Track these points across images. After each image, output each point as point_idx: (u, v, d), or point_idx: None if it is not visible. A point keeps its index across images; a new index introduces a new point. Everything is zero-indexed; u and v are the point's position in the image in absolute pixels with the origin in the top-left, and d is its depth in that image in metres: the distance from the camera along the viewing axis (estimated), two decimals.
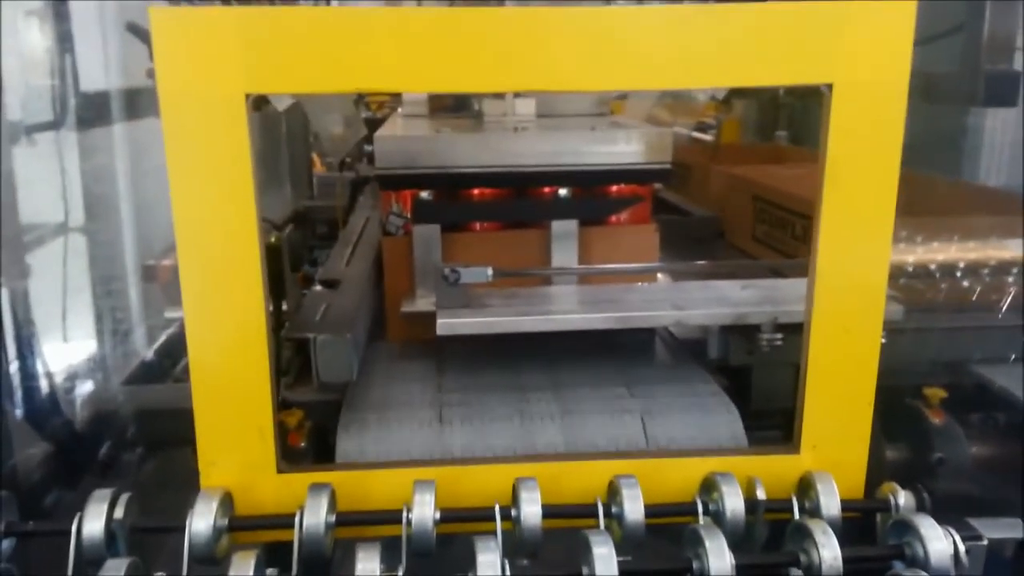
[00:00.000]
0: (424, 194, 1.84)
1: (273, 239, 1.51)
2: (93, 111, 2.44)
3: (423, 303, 1.84)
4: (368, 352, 1.82)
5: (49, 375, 1.86)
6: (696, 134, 5.38)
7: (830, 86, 1.31)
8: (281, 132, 4.93)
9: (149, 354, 2.22)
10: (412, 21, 1.28)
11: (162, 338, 2.31)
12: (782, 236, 2.22)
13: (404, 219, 1.85)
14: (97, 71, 2.61)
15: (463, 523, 1.34)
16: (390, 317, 1.91)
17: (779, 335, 1.66)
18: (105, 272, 2.89)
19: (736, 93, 3.98)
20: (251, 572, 1.15)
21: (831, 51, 1.32)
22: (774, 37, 1.33)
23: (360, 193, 3.34)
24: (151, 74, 1.27)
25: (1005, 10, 1.53)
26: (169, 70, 1.25)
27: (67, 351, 2.38)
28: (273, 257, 1.50)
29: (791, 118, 4.32)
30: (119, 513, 1.30)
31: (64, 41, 2.02)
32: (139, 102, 2.53)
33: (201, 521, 1.29)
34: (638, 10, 1.31)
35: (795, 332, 1.53)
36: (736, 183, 2.61)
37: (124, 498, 1.31)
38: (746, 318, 1.68)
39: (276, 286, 1.52)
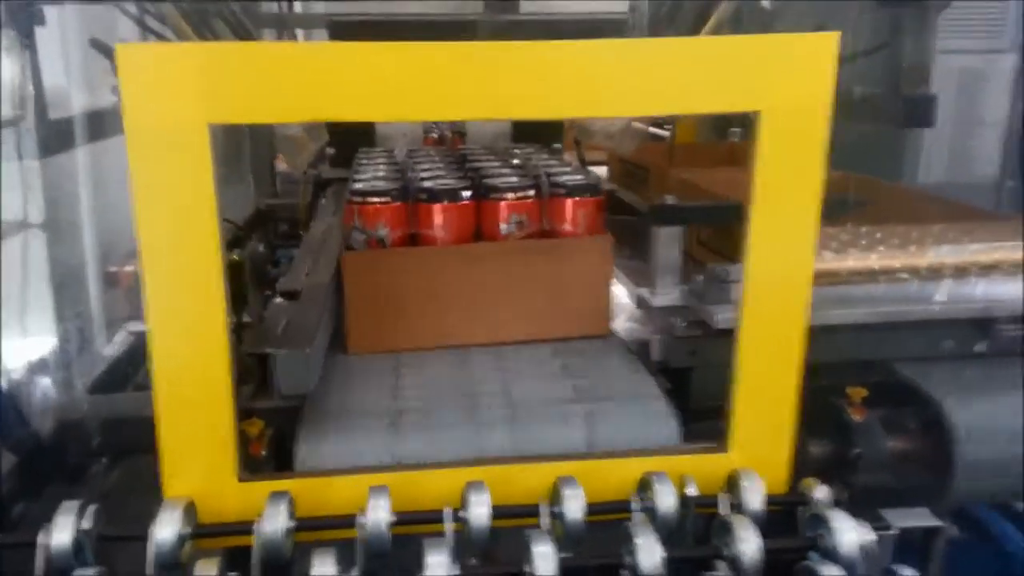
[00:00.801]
0: None
1: (236, 257, 1.58)
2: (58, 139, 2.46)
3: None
4: (327, 361, 1.89)
5: (13, 384, 1.90)
6: (653, 129, 5.49)
7: (758, 113, 1.42)
8: (244, 128, 4.92)
9: (110, 361, 2.26)
10: (368, 54, 1.35)
11: (123, 345, 2.35)
12: (719, 239, 2.33)
13: (366, 235, 1.92)
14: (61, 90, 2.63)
15: (416, 525, 1.43)
16: (350, 331, 1.98)
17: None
18: (67, 275, 2.90)
19: None
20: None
21: (759, 81, 1.43)
22: (706, 68, 1.43)
23: (323, 194, 3.38)
24: (116, 90, 1.33)
25: (920, 38, 1.65)
26: (135, 102, 1.31)
27: (27, 355, 2.40)
28: (236, 273, 1.56)
29: (744, 114, 4.43)
30: (87, 523, 1.37)
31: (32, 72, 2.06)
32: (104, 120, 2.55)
33: (165, 530, 1.36)
34: (580, 44, 1.40)
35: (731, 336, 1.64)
36: (683, 187, 2.71)
37: (92, 509, 1.38)
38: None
39: (239, 301, 1.58)
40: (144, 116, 1.32)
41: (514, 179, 2.14)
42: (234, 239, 2.02)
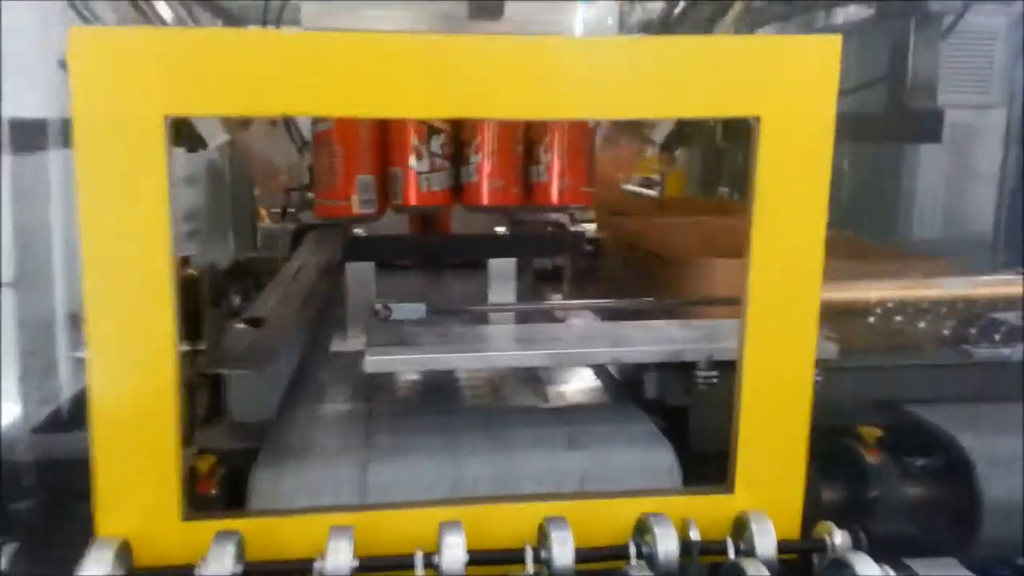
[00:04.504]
0: (359, 230, 1.79)
1: (192, 272, 1.44)
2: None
3: (354, 343, 1.78)
4: (295, 394, 1.74)
5: None
6: (642, 190, 5.52)
7: (758, 119, 1.32)
8: (226, 181, 4.86)
9: (62, 400, 2.09)
10: (337, 45, 1.26)
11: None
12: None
13: None
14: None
15: (383, 572, 1.26)
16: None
17: (715, 373, 1.64)
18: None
19: (680, 140, 4.07)
20: None
21: (758, 85, 1.33)
22: (702, 70, 1.33)
23: (301, 241, 3.28)
24: None
25: (926, 52, 1.58)
26: (85, 91, 1.20)
27: None
28: (191, 292, 1.43)
29: (732, 172, 4.42)
30: (3, 565, 1.19)
31: None
32: None
33: (92, 572, 1.18)
34: (571, 41, 1.32)
35: (732, 370, 1.51)
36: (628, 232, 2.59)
37: (9, 548, 1.20)
38: (682, 355, 1.65)
39: (193, 323, 1.44)
40: (95, 106, 1.20)
41: None
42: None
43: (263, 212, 4.70)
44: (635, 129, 2.27)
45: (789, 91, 1.33)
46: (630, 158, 2.60)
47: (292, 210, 3.57)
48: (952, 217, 3.87)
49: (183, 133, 2.23)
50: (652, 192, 5.44)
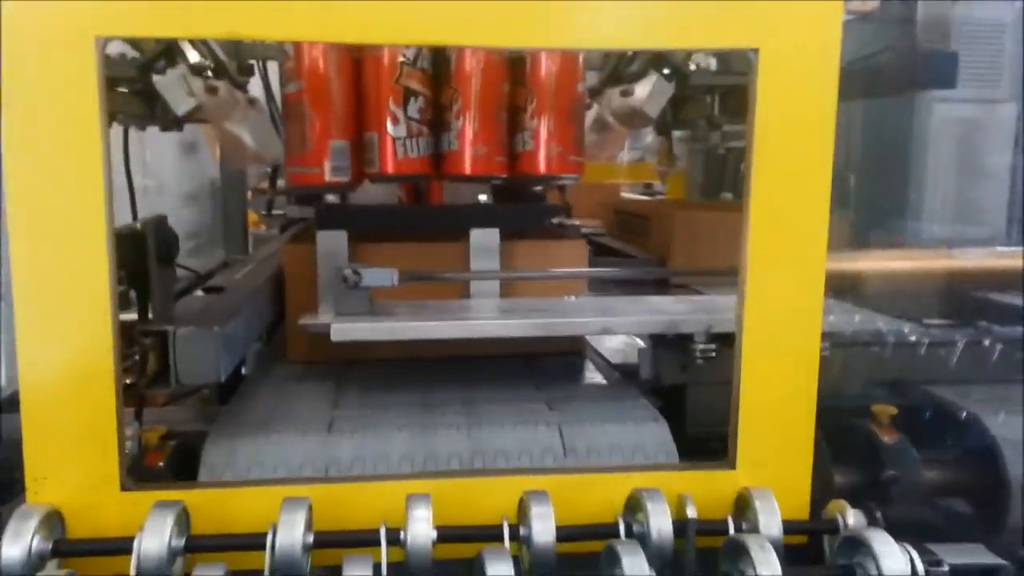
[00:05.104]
0: (331, 197, 1.68)
1: (138, 225, 1.33)
2: None
3: (326, 318, 1.65)
4: (260, 373, 1.62)
5: None
6: (643, 198, 5.43)
7: (756, 51, 1.21)
8: (216, 187, 4.77)
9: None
10: None
11: None
12: None
13: None
14: None
15: (342, 548, 1.12)
16: (290, 334, 1.72)
17: (713, 345, 1.51)
18: None
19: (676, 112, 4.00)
20: None
21: (756, 13, 1.22)
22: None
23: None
24: None
25: None
26: (12, 11, 1.09)
27: None
28: (136, 247, 1.31)
29: (735, 177, 4.32)
30: None
31: None
32: None
33: (15, 544, 1.05)
34: None
35: (730, 344, 1.38)
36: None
37: None
38: (678, 326, 1.52)
39: (139, 281, 1.32)
40: (22, 28, 1.09)
41: None
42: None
43: (255, 218, 4.63)
44: (628, 113, 2.16)
45: (789, 20, 1.22)
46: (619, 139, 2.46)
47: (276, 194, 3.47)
48: (963, 214, 3.75)
49: (156, 109, 2.12)
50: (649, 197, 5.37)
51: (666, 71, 1.79)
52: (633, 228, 2.71)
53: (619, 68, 2.32)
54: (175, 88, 1.68)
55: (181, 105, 1.74)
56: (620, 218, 2.86)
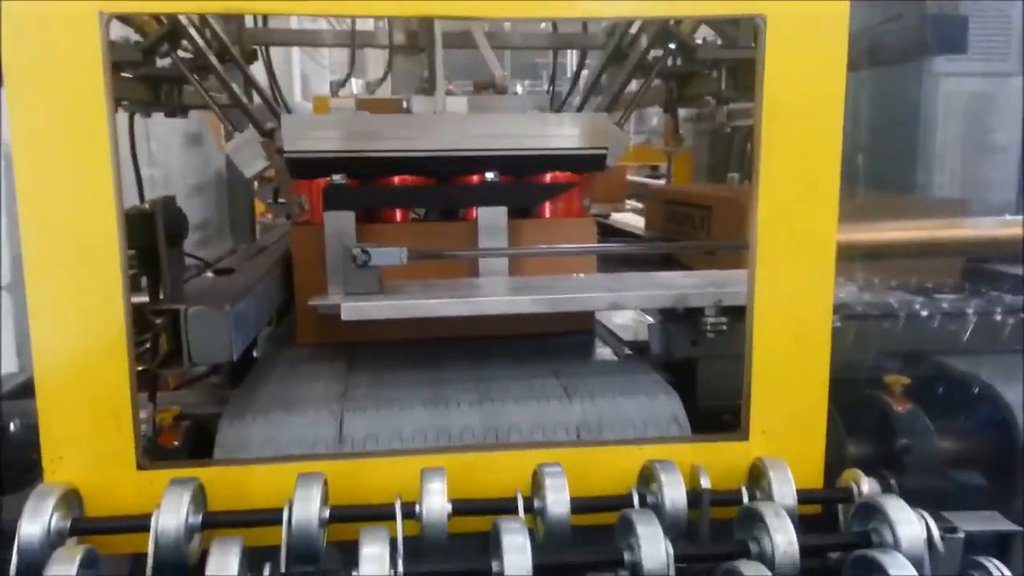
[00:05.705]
0: (337, 177, 1.67)
1: (147, 205, 1.33)
2: None
3: (335, 298, 1.65)
4: (271, 355, 1.62)
5: None
6: (649, 180, 5.42)
7: (763, 18, 1.20)
8: (222, 178, 4.78)
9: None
10: None
11: None
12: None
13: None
14: None
15: (357, 522, 1.12)
16: (299, 316, 1.72)
17: (724, 319, 1.51)
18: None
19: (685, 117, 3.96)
20: (73, 572, 0.93)
21: None
22: None
23: None
24: None
25: None
26: None
27: None
28: (145, 227, 1.31)
29: (742, 158, 4.29)
30: None
31: None
32: None
33: (34, 522, 1.06)
34: None
35: (741, 319, 1.37)
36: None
37: None
38: (687, 300, 1.52)
39: (150, 262, 1.32)
40: (24, 3, 1.08)
41: None
42: None
43: (263, 208, 4.63)
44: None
45: None
46: None
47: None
48: (972, 189, 3.72)
49: (160, 94, 2.12)
50: (659, 182, 5.36)
51: (671, 45, 1.78)
52: (689, 219, 2.50)
53: (622, 45, 2.31)
54: (247, 150, 1.71)
55: (252, 168, 1.78)
56: (671, 209, 2.66)
